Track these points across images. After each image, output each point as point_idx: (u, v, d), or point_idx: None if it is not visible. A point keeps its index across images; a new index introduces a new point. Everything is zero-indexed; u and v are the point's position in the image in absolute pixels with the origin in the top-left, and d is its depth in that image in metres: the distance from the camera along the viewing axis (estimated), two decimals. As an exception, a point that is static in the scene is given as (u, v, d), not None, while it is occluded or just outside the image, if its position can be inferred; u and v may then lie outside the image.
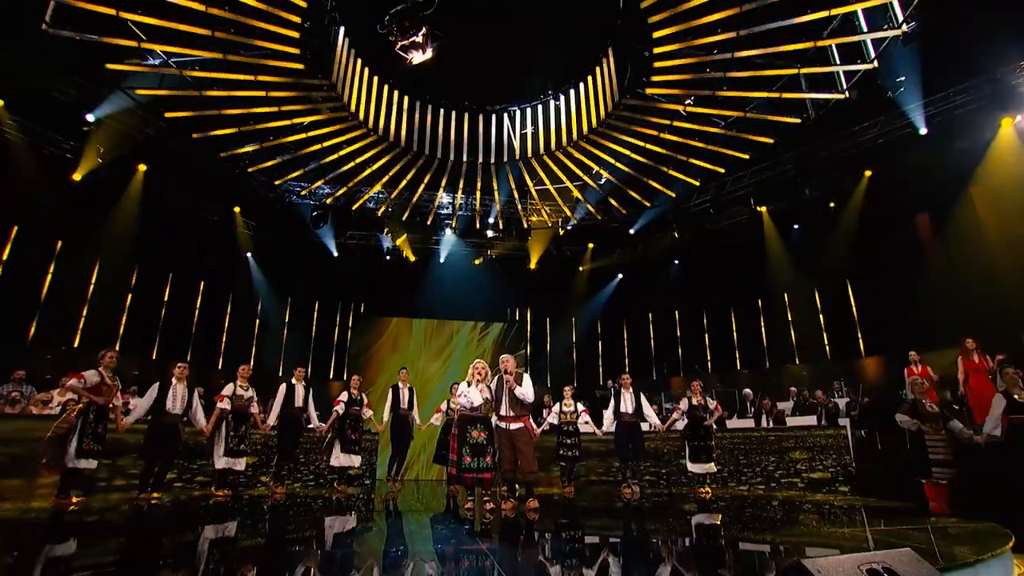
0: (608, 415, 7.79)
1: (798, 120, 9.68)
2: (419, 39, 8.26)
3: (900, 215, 10.59)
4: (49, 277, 11.07)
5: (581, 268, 15.97)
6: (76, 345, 11.20)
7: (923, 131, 9.70)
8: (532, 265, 15.68)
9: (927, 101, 9.52)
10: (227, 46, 8.87)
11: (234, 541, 3.92)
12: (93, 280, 11.76)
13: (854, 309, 11.79)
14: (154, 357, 12.43)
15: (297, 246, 14.42)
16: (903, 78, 9.16)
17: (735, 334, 14.20)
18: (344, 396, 7.52)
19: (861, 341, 11.52)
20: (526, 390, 5.45)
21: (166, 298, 13.05)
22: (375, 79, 11.01)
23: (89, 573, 3.09)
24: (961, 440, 5.61)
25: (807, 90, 9.23)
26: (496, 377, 5.66)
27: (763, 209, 12.52)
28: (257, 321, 14.73)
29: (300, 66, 9.38)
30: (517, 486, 5.98)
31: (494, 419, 5.66)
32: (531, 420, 5.96)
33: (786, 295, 13.17)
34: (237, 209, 13.18)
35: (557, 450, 7.82)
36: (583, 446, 7.89)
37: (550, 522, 5.11)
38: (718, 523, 5.09)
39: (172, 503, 5.89)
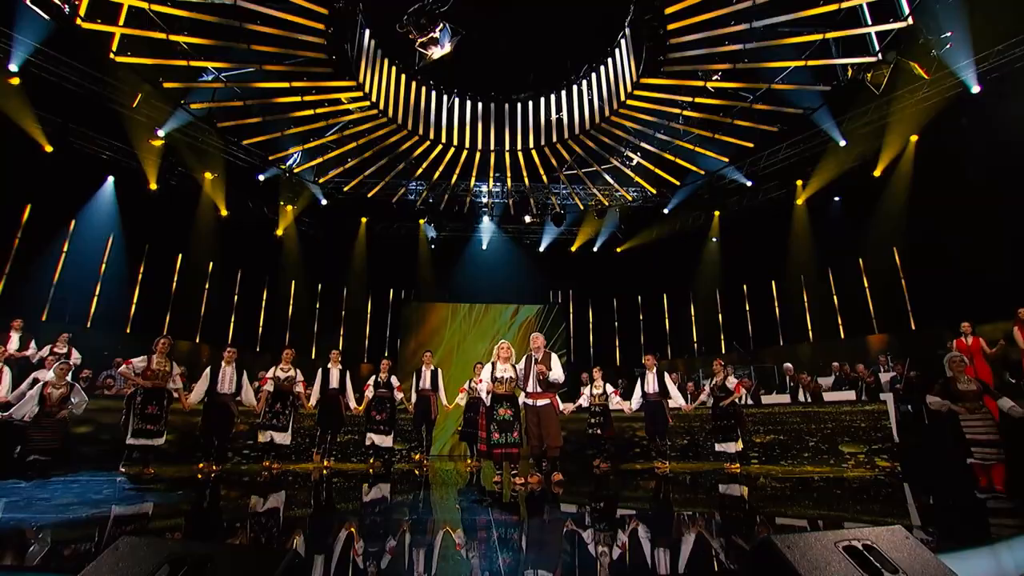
0: (636, 394, 8.05)
1: (828, 88, 9.20)
2: (437, 35, 8.69)
3: (950, 180, 9.82)
4: (140, 277, 12.67)
5: (619, 249, 15.98)
6: (165, 333, 12.75)
7: (975, 90, 8.89)
8: (573, 248, 15.95)
9: (980, 57, 8.74)
10: (263, 57, 9.54)
11: (279, 510, 4.53)
12: (175, 278, 13.34)
13: (903, 280, 11.13)
14: (229, 342, 13.91)
15: (346, 239, 15.44)
16: (949, 33, 8.48)
17: (776, 310, 13.79)
18: (371, 380, 8.03)
19: (911, 313, 10.90)
20: (556, 372, 5.65)
21: (237, 291, 14.49)
22: (402, 76, 11.44)
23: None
24: (1013, 417, 5.30)
25: (838, 56, 8.74)
26: (525, 355, 5.90)
27: (799, 182, 11.98)
28: (317, 310, 15.98)
29: (328, 69, 9.97)
30: (543, 461, 6.29)
31: (521, 396, 5.94)
32: (557, 397, 6.21)
33: (829, 269, 12.64)
34: (290, 208, 14.24)
35: (586, 430, 8.22)
36: (615, 426, 8.19)
37: (574, 494, 5.27)
38: (714, 499, 5.16)
39: (228, 472, 6.73)
